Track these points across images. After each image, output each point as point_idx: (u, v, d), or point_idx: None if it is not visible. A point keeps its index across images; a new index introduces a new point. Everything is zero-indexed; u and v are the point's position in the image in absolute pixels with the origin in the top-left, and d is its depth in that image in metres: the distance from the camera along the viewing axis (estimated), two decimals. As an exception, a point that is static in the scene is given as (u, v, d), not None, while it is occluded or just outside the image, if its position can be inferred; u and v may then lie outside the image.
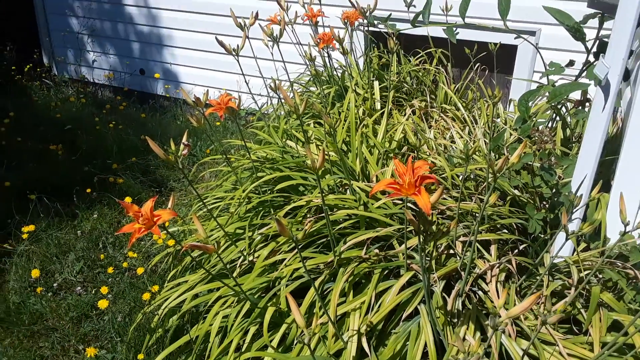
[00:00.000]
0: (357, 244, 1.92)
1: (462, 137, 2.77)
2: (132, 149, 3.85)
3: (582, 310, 1.66)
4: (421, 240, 1.25)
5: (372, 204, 2.05)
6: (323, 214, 1.98)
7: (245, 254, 2.05)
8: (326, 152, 2.38)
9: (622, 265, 1.81)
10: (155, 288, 2.15)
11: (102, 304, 2.03)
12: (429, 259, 1.83)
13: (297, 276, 1.87)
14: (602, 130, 1.83)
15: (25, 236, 2.68)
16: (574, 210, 1.66)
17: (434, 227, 1.25)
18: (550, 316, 1.12)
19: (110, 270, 2.41)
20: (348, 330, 1.63)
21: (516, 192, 2.21)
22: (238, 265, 2.06)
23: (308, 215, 2.12)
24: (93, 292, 2.40)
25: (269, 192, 2.33)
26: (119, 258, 2.66)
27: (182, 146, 1.78)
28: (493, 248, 1.94)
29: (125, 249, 2.69)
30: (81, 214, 3.09)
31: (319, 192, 1.86)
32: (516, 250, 2.09)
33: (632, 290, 1.67)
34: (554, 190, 2.12)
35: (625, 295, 1.68)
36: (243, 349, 1.74)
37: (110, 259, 2.64)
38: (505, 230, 2.07)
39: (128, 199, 3.10)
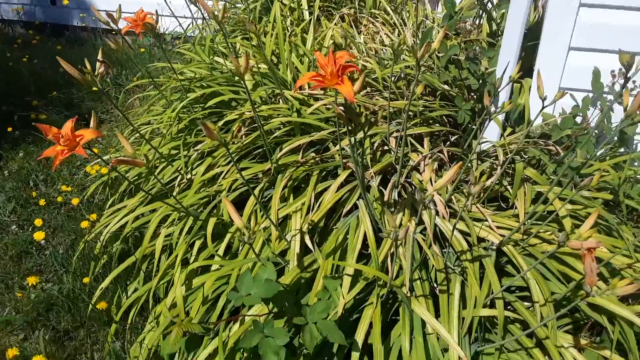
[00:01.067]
0: (294, 150, 1.93)
1: (392, 39, 2.76)
2: (51, 83, 3.62)
3: (509, 187, 1.76)
4: (350, 130, 1.26)
5: (305, 111, 2.05)
6: (257, 125, 1.97)
7: (182, 172, 2.02)
8: (256, 64, 2.33)
9: (544, 144, 1.91)
10: (94, 216, 2.10)
11: (39, 235, 1.97)
12: (363, 156, 1.86)
13: (236, 187, 1.87)
14: (523, 15, 1.86)
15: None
16: (498, 90, 1.71)
17: (362, 119, 1.27)
18: (475, 186, 1.18)
19: (42, 202, 2.33)
20: (291, 230, 1.67)
21: (445, 87, 2.26)
22: (177, 184, 2.03)
23: (242, 129, 2.10)
24: (30, 229, 2.32)
25: (200, 110, 2.27)
26: (52, 194, 2.57)
27: (98, 64, 1.69)
28: (426, 141, 2.00)
29: (59, 184, 2.59)
30: (5, 154, 2.93)
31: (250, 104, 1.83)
32: (448, 142, 2.16)
33: (553, 163, 1.78)
34: (480, 81, 2.17)
35: (547, 169, 1.79)
36: (191, 261, 1.75)
37: (44, 195, 2.54)
38: (437, 124, 2.13)
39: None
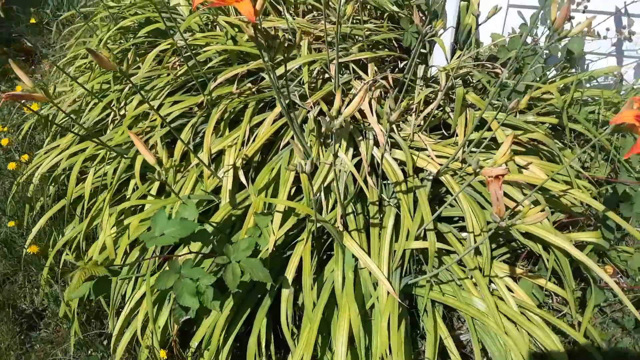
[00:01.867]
0: (230, 81, 1.82)
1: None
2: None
3: (451, 114, 1.69)
4: (264, 55, 1.16)
5: (242, 38, 1.92)
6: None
7: (114, 108, 1.91)
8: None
9: (492, 66, 1.83)
10: (25, 157, 2.00)
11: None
12: (302, 84, 1.76)
13: (170, 120, 1.78)
14: None
15: None
16: (441, 11, 1.61)
17: (277, 41, 1.17)
18: (394, 113, 1.11)
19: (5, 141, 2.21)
20: (224, 166, 1.60)
21: (394, 8, 2.13)
22: (110, 121, 1.92)
23: (176, 59, 1.97)
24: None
25: (132, 39, 2.12)
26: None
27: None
28: (370, 67, 1.90)
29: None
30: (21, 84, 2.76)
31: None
32: (397, 69, 2.07)
33: (497, 87, 1.70)
34: (430, 2, 2.05)
35: (490, 93, 1.72)
36: (126, 200, 1.68)
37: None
38: (386, 49, 2.02)
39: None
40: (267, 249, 1.40)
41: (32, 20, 3.12)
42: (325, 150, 1.58)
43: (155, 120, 1.79)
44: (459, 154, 1.56)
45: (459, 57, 1.96)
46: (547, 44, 1.77)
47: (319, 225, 1.40)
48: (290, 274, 1.37)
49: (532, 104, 1.83)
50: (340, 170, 1.49)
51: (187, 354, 1.43)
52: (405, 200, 1.42)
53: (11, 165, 1.96)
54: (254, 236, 1.41)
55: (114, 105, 1.91)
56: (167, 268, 1.16)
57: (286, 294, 1.36)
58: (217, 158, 1.67)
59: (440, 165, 1.57)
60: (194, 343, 1.40)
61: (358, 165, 1.56)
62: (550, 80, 1.86)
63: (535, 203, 1.45)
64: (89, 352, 1.65)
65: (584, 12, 1.74)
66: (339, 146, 1.59)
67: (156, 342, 1.41)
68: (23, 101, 2.36)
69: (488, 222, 1.48)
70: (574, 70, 1.88)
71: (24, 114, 2.42)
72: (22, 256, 1.82)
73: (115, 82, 1.95)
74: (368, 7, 2.24)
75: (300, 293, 1.42)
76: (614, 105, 1.78)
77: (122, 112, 1.90)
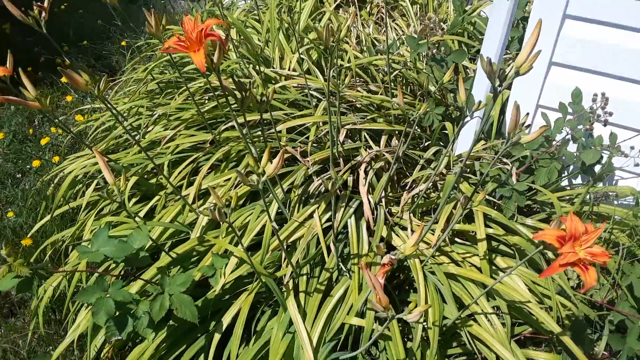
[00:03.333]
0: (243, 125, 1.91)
1: (397, 33, 2.64)
2: (88, 33, 3.78)
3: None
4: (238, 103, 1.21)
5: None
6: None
7: (141, 132, 2.05)
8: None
9: (502, 162, 1.77)
10: (56, 159, 2.18)
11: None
12: (308, 141, 1.80)
13: (179, 151, 1.88)
14: (504, 18, 1.72)
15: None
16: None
17: (246, 93, 1.22)
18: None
19: (43, 141, 2.43)
20: (206, 203, 1.66)
21: (432, 88, 2.14)
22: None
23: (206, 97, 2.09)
24: (18, 163, 2.45)
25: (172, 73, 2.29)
26: (49, 133, 2.69)
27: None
28: (383, 139, 1.91)
29: (53, 126, 2.71)
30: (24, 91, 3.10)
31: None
32: (419, 147, 2.05)
33: (494, 182, 1.64)
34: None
35: (487, 186, 1.66)
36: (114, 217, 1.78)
37: (40, 134, 2.67)
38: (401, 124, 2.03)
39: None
40: (214, 290, 1.41)
41: (123, 43, 3.46)
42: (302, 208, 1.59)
43: (168, 147, 1.89)
44: (433, 241, 1.50)
45: (484, 146, 1.92)
46: (560, 149, 1.70)
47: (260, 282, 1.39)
48: (226, 319, 1.37)
49: (537, 208, 1.74)
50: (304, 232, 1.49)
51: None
52: (357, 274, 1.39)
53: (35, 163, 2.14)
54: (207, 274, 1.43)
55: (141, 128, 2.05)
56: (94, 284, 1.20)
57: (217, 338, 1.35)
58: (207, 194, 1.73)
59: (418, 248, 1.51)
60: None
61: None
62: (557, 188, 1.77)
63: (496, 309, 1.36)
64: (48, 349, 1.72)
65: (605, 125, 1.64)
66: (317, 207, 1.59)
67: (93, 352, 1.45)
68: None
69: (445, 318, 1.40)
70: (597, 182, 1.77)
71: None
72: (21, 247, 1.96)
73: (152, 107, 2.10)
74: (405, 81, 2.27)
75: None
76: (626, 227, 1.65)
77: (145, 136, 2.04)
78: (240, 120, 1.72)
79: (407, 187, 1.73)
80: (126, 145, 2.13)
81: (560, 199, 1.78)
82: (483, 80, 1.88)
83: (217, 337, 1.36)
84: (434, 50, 1.98)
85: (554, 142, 1.77)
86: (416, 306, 1.30)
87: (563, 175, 1.83)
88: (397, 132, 2.00)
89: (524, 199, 1.65)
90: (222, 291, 1.44)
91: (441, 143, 2.10)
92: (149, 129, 2.04)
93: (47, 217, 1.88)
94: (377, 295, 0.85)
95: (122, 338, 1.33)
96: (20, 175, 2.38)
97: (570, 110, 1.75)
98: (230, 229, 1.55)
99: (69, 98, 2.90)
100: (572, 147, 1.73)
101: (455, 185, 1.64)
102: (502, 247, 1.62)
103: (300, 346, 1.33)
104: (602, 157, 1.66)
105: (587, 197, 1.66)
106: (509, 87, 1.93)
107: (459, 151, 1.99)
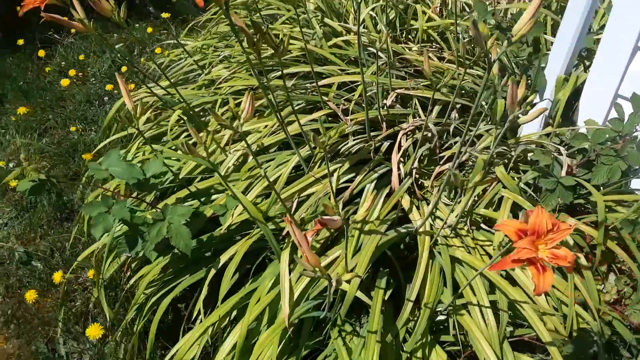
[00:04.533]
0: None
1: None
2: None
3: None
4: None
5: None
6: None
7: (205, 70, 2.12)
8: None
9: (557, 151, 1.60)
10: (132, 86, 2.33)
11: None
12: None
13: (232, 92, 1.92)
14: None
15: (73, 30, 3.00)
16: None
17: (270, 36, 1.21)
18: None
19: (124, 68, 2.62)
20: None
21: (505, 59, 1.96)
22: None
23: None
24: (105, 85, 2.67)
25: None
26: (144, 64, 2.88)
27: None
28: (436, 108, 1.80)
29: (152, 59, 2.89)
30: (134, 23, 3.33)
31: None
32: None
33: (534, 170, 1.49)
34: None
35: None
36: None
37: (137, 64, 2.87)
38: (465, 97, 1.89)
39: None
40: (221, 229, 1.46)
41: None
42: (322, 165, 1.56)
43: (223, 87, 1.94)
44: (451, 219, 1.42)
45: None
46: (624, 146, 1.49)
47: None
48: (224, 258, 1.42)
49: (590, 210, 1.56)
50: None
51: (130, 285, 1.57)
52: (357, 239, 1.35)
53: (109, 87, 2.31)
54: (218, 212, 1.48)
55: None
56: (100, 199, 1.29)
57: (212, 272, 1.41)
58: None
59: (432, 224, 1.44)
60: (135, 279, 1.53)
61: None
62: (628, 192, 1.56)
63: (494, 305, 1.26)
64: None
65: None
66: (340, 167, 1.56)
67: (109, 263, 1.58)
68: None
69: (439, 302, 1.33)
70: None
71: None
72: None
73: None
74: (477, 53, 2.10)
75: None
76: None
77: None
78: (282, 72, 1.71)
79: (441, 162, 1.63)
80: (195, 81, 2.22)
81: (618, 203, 1.58)
82: (559, 60, 1.70)
83: (212, 272, 1.41)
84: (501, 16, 1.80)
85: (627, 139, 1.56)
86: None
87: (630, 177, 1.61)
88: (458, 105, 1.87)
89: (570, 195, 1.49)
90: (229, 231, 1.48)
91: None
92: (213, 68, 2.10)
93: (112, 138, 2.04)
94: (304, 253, 0.83)
95: (131, 255, 1.43)
96: (107, 97, 2.59)
97: (651, 104, 1.52)
98: (251, 173, 1.57)
99: (149, 30, 3.05)
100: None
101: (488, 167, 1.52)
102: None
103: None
104: (672, 163, 1.43)
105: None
106: (585, 70, 1.72)
107: (524, 134, 1.83)
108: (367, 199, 1.46)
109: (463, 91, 1.92)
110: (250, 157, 1.61)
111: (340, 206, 1.42)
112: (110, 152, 1.33)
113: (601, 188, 1.57)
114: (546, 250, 0.78)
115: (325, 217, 0.90)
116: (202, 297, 1.41)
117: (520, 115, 0.94)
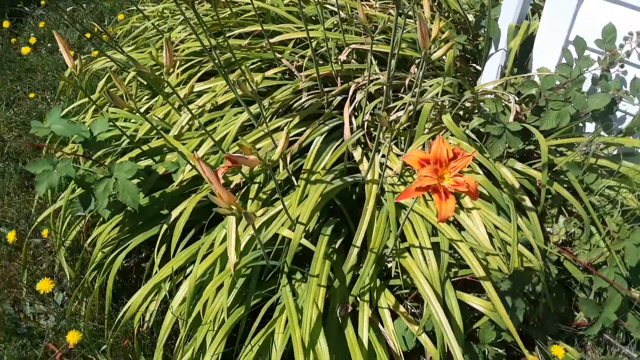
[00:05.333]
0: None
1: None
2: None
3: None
4: None
5: None
6: None
7: (165, 34, 2.11)
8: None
9: (507, 99, 1.61)
10: (95, 53, 2.33)
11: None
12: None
13: (189, 53, 1.92)
14: None
15: (43, 2, 2.98)
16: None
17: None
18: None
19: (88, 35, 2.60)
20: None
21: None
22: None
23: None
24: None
25: None
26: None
27: None
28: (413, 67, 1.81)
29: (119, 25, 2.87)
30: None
31: None
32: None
33: (479, 117, 1.50)
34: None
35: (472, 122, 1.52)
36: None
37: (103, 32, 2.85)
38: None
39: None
40: (173, 186, 1.48)
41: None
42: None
43: (180, 50, 1.94)
44: (396, 168, 1.43)
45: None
46: (569, 90, 1.50)
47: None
48: (175, 213, 1.44)
49: (534, 152, 1.58)
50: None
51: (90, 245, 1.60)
52: (303, 189, 1.37)
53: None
54: (170, 169, 1.50)
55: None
56: (44, 157, 1.31)
57: (164, 228, 1.43)
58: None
59: (380, 173, 1.46)
60: (92, 238, 1.56)
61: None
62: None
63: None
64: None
65: (621, 66, 1.41)
66: (290, 121, 1.57)
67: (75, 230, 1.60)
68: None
69: (386, 247, 1.36)
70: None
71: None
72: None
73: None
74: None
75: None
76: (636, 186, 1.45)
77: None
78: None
79: (392, 113, 1.64)
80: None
81: (569, 148, 1.60)
82: (511, 9, 1.69)
83: (164, 227, 1.43)
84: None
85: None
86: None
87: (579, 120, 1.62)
88: (415, 59, 1.87)
89: (518, 140, 1.50)
90: (181, 187, 1.50)
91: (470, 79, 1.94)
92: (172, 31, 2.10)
93: (75, 104, 2.04)
94: (216, 190, 0.85)
95: (86, 215, 1.45)
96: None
97: (598, 48, 1.52)
98: (200, 132, 1.59)
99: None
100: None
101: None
102: (483, 190, 1.51)
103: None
104: (615, 103, 1.44)
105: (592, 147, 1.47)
106: (537, 19, 1.71)
107: (481, 83, 1.83)
108: (314, 151, 1.47)
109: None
110: (196, 116, 1.62)
111: (288, 158, 1.44)
112: (53, 110, 1.34)
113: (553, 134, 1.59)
114: (450, 179, 0.80)
115: (235, 154, 0.91)
116: (156, 252, 1.44)
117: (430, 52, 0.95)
